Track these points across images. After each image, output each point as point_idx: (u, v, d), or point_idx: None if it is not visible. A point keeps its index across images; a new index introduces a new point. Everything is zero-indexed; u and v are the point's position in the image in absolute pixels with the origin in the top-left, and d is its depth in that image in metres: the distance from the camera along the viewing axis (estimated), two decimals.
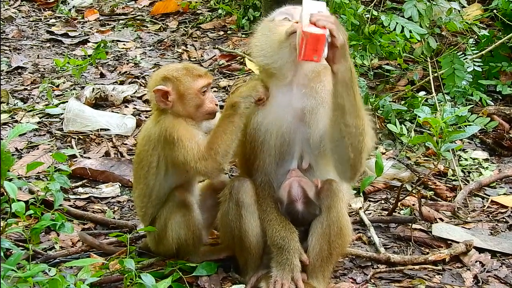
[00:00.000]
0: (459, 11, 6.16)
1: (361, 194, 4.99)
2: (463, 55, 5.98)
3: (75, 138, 6.05)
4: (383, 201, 5.02)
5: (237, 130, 3.68)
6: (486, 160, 5.65)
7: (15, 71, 7.85)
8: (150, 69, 7.75)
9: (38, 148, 5.83)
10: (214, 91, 7.04)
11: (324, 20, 3.20)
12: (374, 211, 4.86)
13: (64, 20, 9.90)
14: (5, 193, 3.56)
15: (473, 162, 5.61)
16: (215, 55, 8.15)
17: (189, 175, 3.93)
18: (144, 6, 10.39)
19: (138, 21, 9.76)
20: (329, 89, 3.52)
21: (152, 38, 9.05)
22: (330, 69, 3.37)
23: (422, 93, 6.05)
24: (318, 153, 3.77)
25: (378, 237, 4.40)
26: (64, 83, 7.44)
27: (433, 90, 5.95)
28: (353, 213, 4.72)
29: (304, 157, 3.81)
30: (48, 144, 5.92)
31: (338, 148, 3.56)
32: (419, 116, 4.47)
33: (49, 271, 3.43)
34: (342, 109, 3.42)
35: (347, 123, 3.45)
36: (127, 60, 8.21)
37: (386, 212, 4.77)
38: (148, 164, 3.91)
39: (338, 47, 3.27)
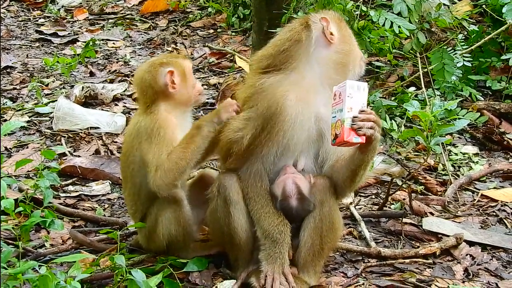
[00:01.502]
0: (448, 6, 6.17)
1: None
2: (453, 50, 6.00)
3: (65, 137, 6.03)
4: (373, 196, 5.03)
5: (197, 150, 3.72)
6: (476, 154, 5.67)
7: (4, 71, 7.82)
8: None
9: (27, 147, 5.80)
10: (205, 89, 7.03)
11: (365, 129, 3.38)
12: (365, 206, 4.87)
13: (53, 20, 9.87)
14: None
15: (463, 156, 5.63)
16: (205, 53, 8.15)
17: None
18: (133, 5, 10.39)
19: (128, 20, 9.75)
20: None
21: (142, 37, 9.03)
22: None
23: (412, 89, 6.04)
24: (318, 162, 3.81)
25: (369, 232, 4.41)
26: (53, 82, 7.42)
27: (423, 86, 5.95)
28: (344, 208, 4.72)
29: (301, 158, 3.80)
30: (38, 143, 5.89)
31: (339, 174, 3.74)
32: (408, 110, 4.47)
33: (39, 268, 3.40)
34: (354, 167, 3.65)
35: (355, 172, 3.67)
36: (117, 59, 8.20)
37: (377, 207, 4.78)
38: (133, 162, 3.90)
39: (371, 143, 3.48)
